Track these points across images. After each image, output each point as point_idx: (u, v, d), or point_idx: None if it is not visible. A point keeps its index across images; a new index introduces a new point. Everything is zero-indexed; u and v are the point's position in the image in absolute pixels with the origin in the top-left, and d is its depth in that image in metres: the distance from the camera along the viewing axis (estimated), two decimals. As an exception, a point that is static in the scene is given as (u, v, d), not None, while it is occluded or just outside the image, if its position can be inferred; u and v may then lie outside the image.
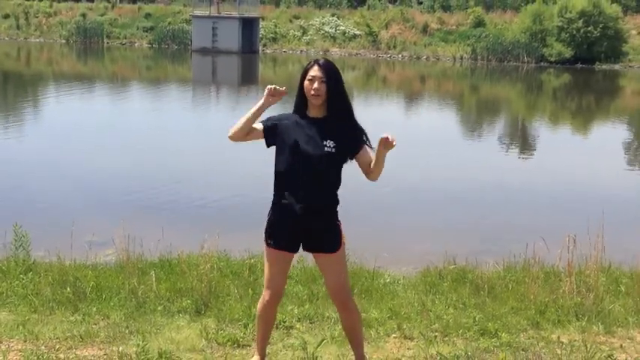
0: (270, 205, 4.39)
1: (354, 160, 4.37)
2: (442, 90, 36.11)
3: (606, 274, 6.80)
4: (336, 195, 4.39)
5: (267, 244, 4.39)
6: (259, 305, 4.49)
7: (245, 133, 4.35)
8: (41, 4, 60.37)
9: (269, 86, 4.34)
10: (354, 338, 4.57)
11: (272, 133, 4.35)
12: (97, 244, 7.91)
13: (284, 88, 4.35)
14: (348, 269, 4.64)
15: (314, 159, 4.24)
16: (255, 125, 4.36)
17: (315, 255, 4.44)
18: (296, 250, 4.47)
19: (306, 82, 4.28)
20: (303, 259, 6.78)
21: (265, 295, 4.44)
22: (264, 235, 4.41)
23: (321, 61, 4.34)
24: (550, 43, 46.68)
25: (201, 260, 6.38)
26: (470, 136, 22.78)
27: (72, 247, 6.89)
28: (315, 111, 4.33)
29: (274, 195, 4.38)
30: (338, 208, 4.42)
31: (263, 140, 4.40)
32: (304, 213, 4.26)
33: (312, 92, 4.24)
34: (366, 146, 4.36)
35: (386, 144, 4.11)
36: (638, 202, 13.37)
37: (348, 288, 4.53)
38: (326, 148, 4.25)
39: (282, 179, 4.33)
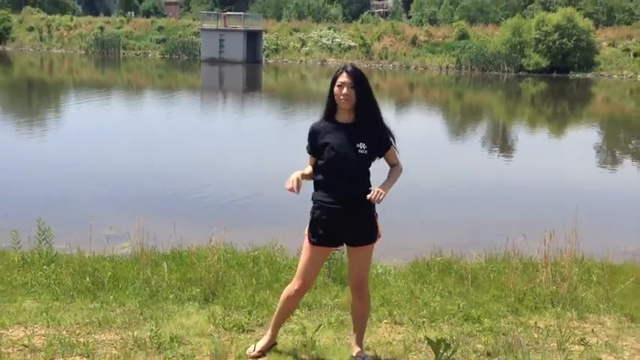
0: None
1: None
2: (429, 97, 36.12)
3: (579, 265, 6.79)
4: (370, 190, 4.34)
5: (311, 242, 4.33)
6: (286, 292, 4.46)
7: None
8: (62, 18, 60.38)
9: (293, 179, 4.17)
10: (359, 324, 4.56)
11: (316, 151, 4.31)
12: (114, 238, 7.89)
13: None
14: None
15: (349, 161, 4.21)
16: (309, 162, 4.38)
17: (352, 249, 4.38)
18: (337, 245, 4.43)
19: (335, 89, 4.23)
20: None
21: (295, 284, 4.40)
22: (307, 232, 4.35)
23: (349, 68, 4.28)
24: (528, 54, 46.79)
25: (209, 252, 6.37)
26: (455, 138, 22.78)
27: (91, 240, 6.88)
28: (344, 116, 4.28)
29: (315, 196, 4.33)
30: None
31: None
32: (343, 211, 4.24)
33: (342, 97, 4.20)
34: (393, 147, 4.37)
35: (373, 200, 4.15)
36: (608, 198, 13.39)
37: (367, 278, 4.52)
38: (359, 151, 4.21)
39: (322, 182, 4.29)
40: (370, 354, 4.64)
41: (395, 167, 4.43)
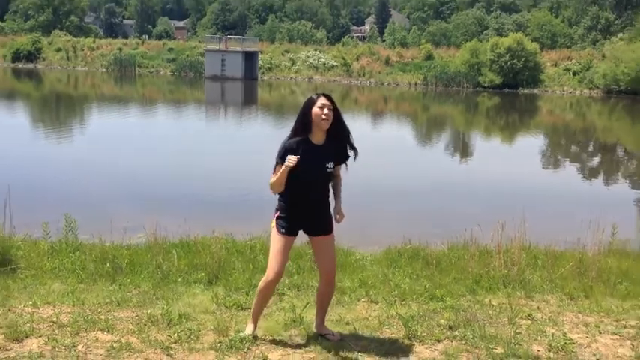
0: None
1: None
2: (400, 109, 36.18)
3: (527, 252, 6.81)
4: (330, 192, 4.32)
5: (281, 233, 4.22)
6: (262, 283, 4.25)
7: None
8: (86, 41, 60.03)
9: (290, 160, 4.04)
10: (324, 306, 4.51)
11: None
12: (131, 229, 7.84)
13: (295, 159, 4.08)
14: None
15: (318, 177, 4.17)
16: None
17: (314, 239, 4.32)
18: (296, 234, 4.31)
19: (316, 109, 4.08)
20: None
21: (270, 274, 4.19)
22: (276, 226, 4.24)
23: (326, 93, 4.21)
24: (484, 72, 46.98)
25: (213, 241, 6.36)
26: (422, 144, 22.84)
27: (111, 231, 6.84)
28: (318, 137, 4.17)
29: (286, 196, 4.21)
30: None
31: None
32: (310, 209, 4.21)
33: (324, 117, 4.07)
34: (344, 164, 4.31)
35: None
36: (551, 195, 13.46)
37: (335, 267, 4.44)
38: (328, 170, 4.16)
39: (291, 190, 4.17)
40: (350, 328, 4.64)
41: (338, 179, 4.34)
